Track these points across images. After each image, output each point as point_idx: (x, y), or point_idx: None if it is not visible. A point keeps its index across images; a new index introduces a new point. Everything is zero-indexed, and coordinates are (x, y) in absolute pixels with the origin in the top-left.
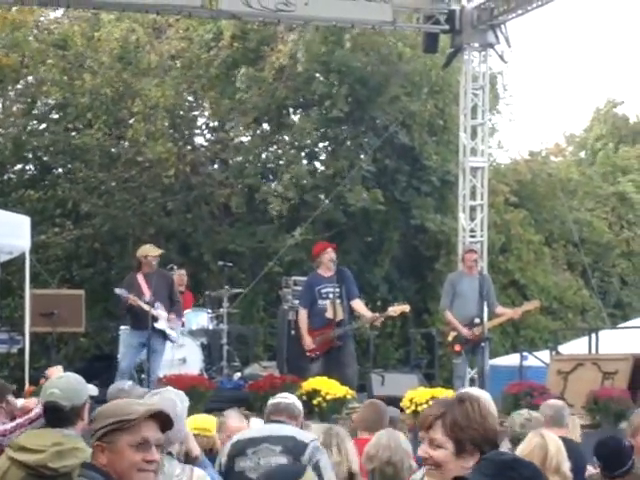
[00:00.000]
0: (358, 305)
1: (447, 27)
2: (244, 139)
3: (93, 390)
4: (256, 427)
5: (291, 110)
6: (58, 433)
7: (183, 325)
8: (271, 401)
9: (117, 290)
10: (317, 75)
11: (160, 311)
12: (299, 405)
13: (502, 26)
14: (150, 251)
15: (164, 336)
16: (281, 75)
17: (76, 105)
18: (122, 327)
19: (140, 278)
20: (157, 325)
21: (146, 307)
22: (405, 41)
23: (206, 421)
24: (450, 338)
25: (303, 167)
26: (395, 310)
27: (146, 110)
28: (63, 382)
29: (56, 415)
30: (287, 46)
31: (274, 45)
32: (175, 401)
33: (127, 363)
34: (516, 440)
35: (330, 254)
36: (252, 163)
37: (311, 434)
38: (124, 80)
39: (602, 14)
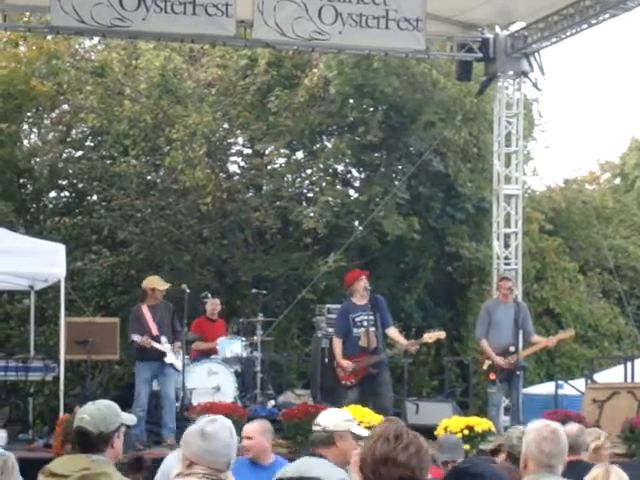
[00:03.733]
0: (393, 332)
1: (481, 55)
2: (277, 165)
3: (130, 420)
4: (296, 463)
5: (324, 137)
6: (87, 458)
7: (217, 353)
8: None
9: (135, 337)
10: (351, 101)
11: (166, 345)
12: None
13: (536, 54)
14: (158, 284)
15: (173, 367)
16: (314, 101)
17: (112, 132)
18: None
19: (145, 310)
20: (166, 360)
21: (159, 346)
22: (439, 69)
23: None
24: (485, 367)
25: (338, 190)
26: (430, 336)
27: (184, 137)
28: (93, 409)
29: (84, 440)
30: (319, 67)
31: (308, 70)
32: (232, 430)
33: (143, 396)
34: (516, 454)
35: (364, 282)
36: (286, 189)
37: (341, 471)
38: (162, 107)
39: (638, 42)
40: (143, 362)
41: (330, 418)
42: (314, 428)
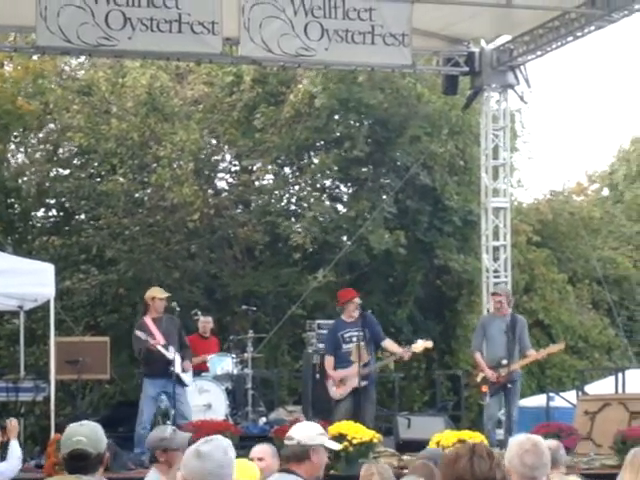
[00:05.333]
0: (389, 344)
1: (467, 69)
2: (265, 182)
3: None
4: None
5: (312, 153)
6: (77, 479)
7: (207, 371)
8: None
9: (138, 333)
10: (336, 116)
11: (175, 355)
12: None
13: (522, 67)
14: (157, 293)
15: (180, 380)
16: (300, 116)
17: (99, 151)
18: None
19: (149, 321)
20: (174, 369)
21: (165, 352)
22: (424, 82)
23: (247, 467)
24: (478, 379)
25: (326, 206)
26: (418, 347)
27: (172, 155)
28: (87, 430)
29: (83, 463)
30: (304, 82)
31: (293, 86)
32: (227, 450)
33: (147, 414)
34: None
35: (356, 303)
36: (274, 205)
37: None
38: (149, 125)
39: (624, 53)
40: (150, 378)
41: (304, 431)
42: (287, 442)
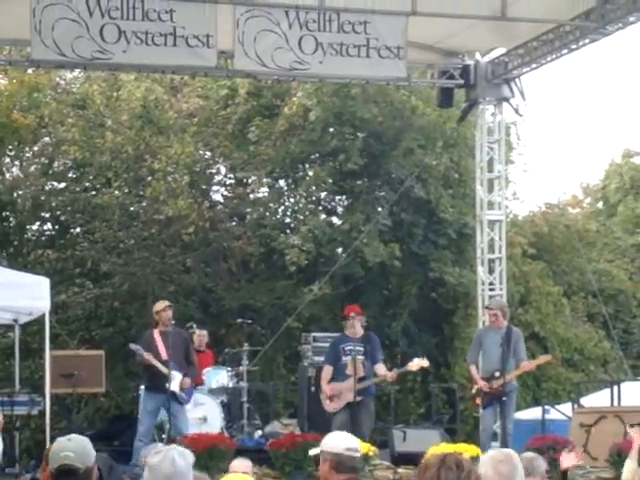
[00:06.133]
0: (379, 368)
1: (462, 82)
2: (260, 195)
3: None
4: None
5: (306, 166)
6: None
7: (202, 384)
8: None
9: (132, 345)
10: (330, 130)
11: (174, 372)
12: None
13: (517, 80)
14: (157, 306)
15: (177, 397)
16: (294, 129)
17: (94, 164)
18: (142, 387)
19: (157, 335)
20: (170, 387)
21: (162, 368)
22: (418, 95)
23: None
24: (474, 391)
25: (321, 219)
26: (414, 365)
27: (167, 168)
28: (75, 445)
29: (71, 478)
30: (299, 95)
31: (287, 99)
32: (174, 460)
33: (146, 427)
34: None
35: (354, 319)
36: (269, 218)
37: None
38: (144, 138)
39: (617, 66)
40: (150, 392)
41: (358, 442)
42: (352, 454)
